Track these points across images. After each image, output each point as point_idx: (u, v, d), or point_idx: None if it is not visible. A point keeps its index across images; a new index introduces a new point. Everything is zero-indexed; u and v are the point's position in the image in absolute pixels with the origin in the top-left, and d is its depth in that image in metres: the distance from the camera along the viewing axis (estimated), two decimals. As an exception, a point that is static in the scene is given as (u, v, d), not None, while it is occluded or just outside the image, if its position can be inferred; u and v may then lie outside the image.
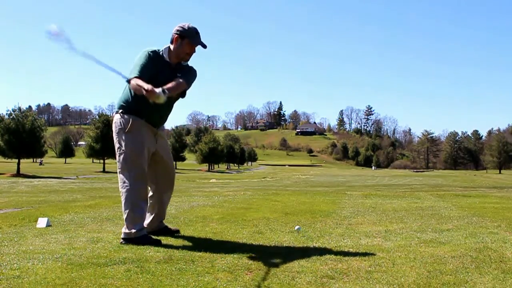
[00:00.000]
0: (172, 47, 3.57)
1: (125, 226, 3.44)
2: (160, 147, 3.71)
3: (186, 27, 3.54)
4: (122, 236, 3.43)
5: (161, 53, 3.54)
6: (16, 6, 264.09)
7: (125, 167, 3.48)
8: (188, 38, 3.53)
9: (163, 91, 3.18)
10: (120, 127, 3.52)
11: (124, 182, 3.47)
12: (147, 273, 2.50)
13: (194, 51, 3.60)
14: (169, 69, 3.53)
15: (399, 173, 73.80)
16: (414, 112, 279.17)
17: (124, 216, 3.46)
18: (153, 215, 3.83)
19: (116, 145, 3.54)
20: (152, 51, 3.50)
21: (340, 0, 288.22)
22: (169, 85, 3.31)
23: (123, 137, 3.50)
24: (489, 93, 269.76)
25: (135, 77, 3.32)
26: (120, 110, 3.55)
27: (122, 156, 3.50)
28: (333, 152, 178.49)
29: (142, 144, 3.51)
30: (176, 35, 3.54)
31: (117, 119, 3.56)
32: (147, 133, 3.55)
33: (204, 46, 3.60)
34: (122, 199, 3.49)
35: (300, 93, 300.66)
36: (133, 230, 3.39)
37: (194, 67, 3.70)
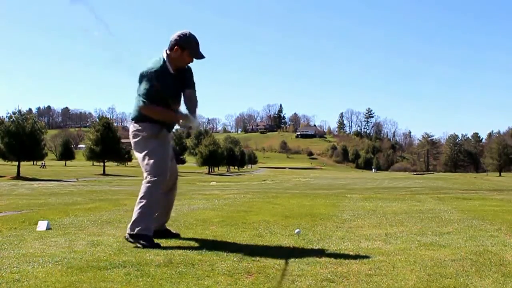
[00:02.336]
0: (171, 55, 3.53)
1: (130, 223, 3.46)
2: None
3: (187, 37, 3.50)
4: (127, 232, 3.46)
5: (162, 61, 3.52)
6: (16, 7, 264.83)
7: (151, 171, 3.48)
8: (189, 50, 3.52)
9: (192, 115, 3.49)
10: (139, 134, 3.57)
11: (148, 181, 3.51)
12: (147, 276, 2.50)
13: (193, 61, 3.62)
14: (171, 80, 3.55)
15: (399, 175, 73.79)
16: (414, 114, 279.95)
17: (134, 211, 3.48)
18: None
19: (139, 153, 3.56)
20: (155, 70, 3.47)
21: (340, 2, 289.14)
22: (191, 106, 3.58)
23: (146, 143, 3.54)
24: (489, 95, 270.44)
25: (146, 105, 3.47)
26: (135, 119, 3.60)
27: (146, 161, 3.51)
28: (333, 155, 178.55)
29: (165, 148, 3.58)
30: (177, 46, 3.50)
31: (132, 128, 3.61)
32: (166, 137, 3.63)
33: (203, 57, 3.61)
34: (140, 197, 3.48)
35: (300, 95, 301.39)
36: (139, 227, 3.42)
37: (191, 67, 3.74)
